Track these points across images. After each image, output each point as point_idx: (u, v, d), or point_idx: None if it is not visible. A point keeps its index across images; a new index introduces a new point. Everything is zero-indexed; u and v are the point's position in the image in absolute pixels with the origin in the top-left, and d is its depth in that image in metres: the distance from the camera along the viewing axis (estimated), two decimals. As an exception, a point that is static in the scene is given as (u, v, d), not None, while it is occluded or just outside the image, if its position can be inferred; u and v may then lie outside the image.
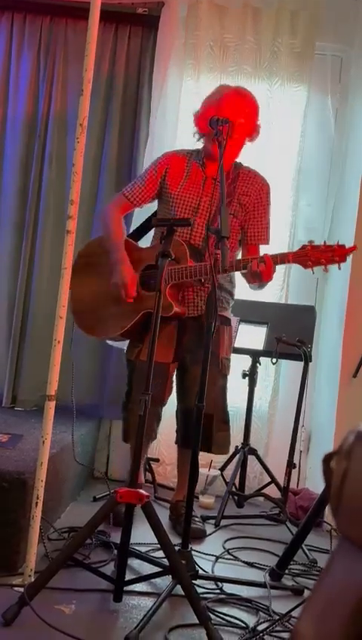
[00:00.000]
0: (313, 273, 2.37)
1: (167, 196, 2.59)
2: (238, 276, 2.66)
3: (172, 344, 2.55)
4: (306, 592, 2.17)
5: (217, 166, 2.51)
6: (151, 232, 2.79)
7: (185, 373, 2.62)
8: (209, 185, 2.58)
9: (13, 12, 3.28)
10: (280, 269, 3.17)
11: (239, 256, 2.67)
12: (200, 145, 2.67)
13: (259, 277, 2.32)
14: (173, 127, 3.14)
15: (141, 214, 2.91)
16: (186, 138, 2.81)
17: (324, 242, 2.30)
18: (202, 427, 2.46)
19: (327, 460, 0.62)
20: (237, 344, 2.92)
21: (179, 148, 2.83)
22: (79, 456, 2.84)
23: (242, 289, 3.09)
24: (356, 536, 0.58)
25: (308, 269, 2.31)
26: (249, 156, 3.16)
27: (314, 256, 2.27)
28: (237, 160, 2.67)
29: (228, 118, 2.27)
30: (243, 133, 2.54)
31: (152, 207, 2.78)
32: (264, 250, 2.60)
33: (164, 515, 2.70)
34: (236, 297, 3.01)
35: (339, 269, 2.30)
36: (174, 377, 2.67)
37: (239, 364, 3.00)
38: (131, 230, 2.86)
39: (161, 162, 2.64)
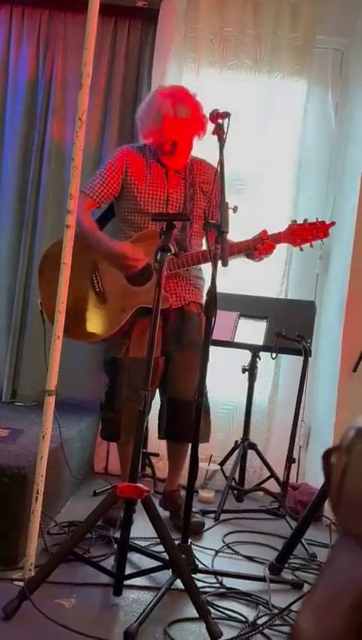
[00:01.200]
0: (301, 250, 2.58)
1: (133, 191, 2.58)
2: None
3: (159, 339, 2.52)
4: (306, 586, 2.18)
5: (178, 158, 2.57)
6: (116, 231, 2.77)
7: (168, 361, 2.58)
8: (172, 176, 2.62)
9: (11, 5, 3.27)
10: (280, 264, 3.20)
11: (204, 242, 2.68)
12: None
13: (266, 254, 2.51)
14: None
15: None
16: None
17: (305, 220, 2.54)
18: (184, 416, 2.46)
19: (327, 455, 0.62)
20: (236, 339, 2.92)
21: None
22: (78, 452, 2.85)
23: (243, 283, 3.10)
24: (356, 532, 0.58)
25: (297, 246, 2.54)
26: (249, 150, 3.16)
27: (301, 234, 2.50)
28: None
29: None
30: (190, 138, 2.59)
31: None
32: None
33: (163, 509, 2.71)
34: (236, 292, 3.01)
35: (323, 244, 2.65)
36: None
37: (239, 359, 3.00)
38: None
39: (119, 157, 2.62)
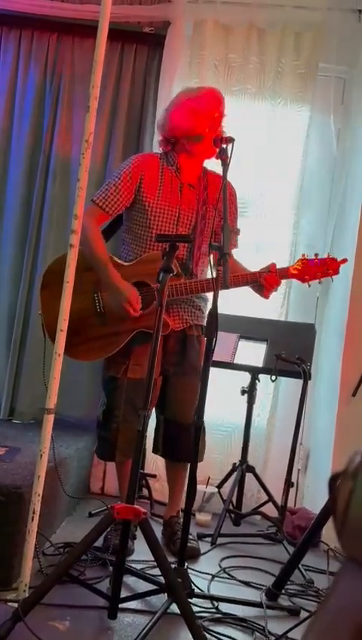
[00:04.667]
0: (309, 286, 2.53)
1: (143, 206, 2.50)
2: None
3: (158, 359, 2.50)
4: (302, 613, 2.15)
5: (193, 169, 2.55)
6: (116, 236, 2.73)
7: (168, 384, 2.57)
8: (186, 192, 2.55)
9: (21, 29, 3.33)
10: (280, 286, 3.20)
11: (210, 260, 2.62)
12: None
13: (273, 289, 2.49)
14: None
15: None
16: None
17: (316, 255, 2.48)
18: (184, 439, 2.44)
19: (334, 480, 0.62)
20: (236, 360, 2.92)
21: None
22: (75, 471, 2.83)
23: (243, 306, 3.11)
24: (360, 557, 0.58)
25: (305, 283, 2.49)
26: (251, 175, 3.20)
27: (311, 270, 2.45)
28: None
29: (231, 138, 2.31)
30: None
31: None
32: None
33: (160, 531, 2.68)
34: (237, 314, 3.02)
35: (332, 281, 2.53)
36: None
37: (238, 380, 3.00)
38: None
39: (134, 167, 2.51)
